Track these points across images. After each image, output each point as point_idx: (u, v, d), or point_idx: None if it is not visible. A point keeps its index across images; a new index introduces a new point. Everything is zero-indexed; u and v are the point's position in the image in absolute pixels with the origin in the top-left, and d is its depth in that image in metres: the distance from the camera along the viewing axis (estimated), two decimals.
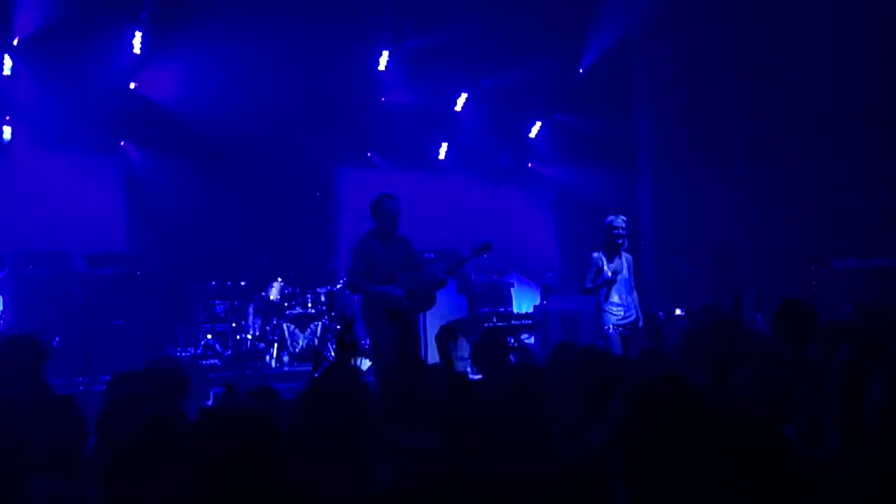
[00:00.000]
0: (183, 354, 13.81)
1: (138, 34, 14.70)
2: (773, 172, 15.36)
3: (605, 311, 10.91)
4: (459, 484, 3.23)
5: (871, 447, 3.52)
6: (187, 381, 5.93)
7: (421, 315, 10.85)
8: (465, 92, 17.19)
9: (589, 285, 10.95)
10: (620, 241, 10.99)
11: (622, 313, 10.94)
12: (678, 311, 12.81)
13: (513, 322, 13.49)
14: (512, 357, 8.50)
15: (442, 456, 3.29)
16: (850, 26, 13.99)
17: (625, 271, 11.03)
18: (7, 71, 14.02)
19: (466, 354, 11.77)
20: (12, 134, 14.36)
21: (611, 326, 10.83)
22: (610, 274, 10.91)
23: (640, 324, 11.01)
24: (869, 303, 7.74)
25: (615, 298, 10.98)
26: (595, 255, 11.02)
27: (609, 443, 3.05)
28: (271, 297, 14.55)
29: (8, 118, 14.29)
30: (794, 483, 3.06)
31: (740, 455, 3.01)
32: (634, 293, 11.13)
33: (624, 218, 11.15)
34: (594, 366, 5.24)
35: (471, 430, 4.26)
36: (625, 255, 11.09)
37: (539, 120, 17.90)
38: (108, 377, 6.19)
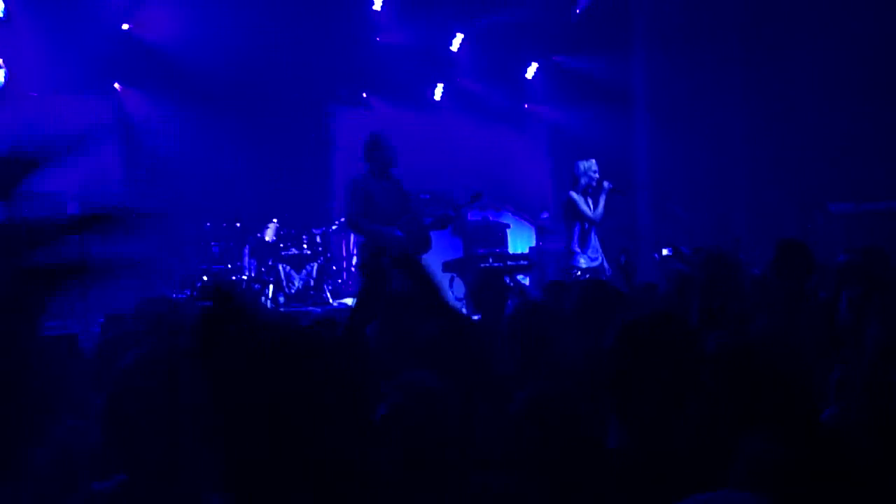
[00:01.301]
0: (178, 296, 13.80)
1: None
2: (769, 117, 15.33)
3: (578, 252, 10.93)
4: (458, 422, 3.23)
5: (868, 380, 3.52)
6: (181, 319, 5.92)
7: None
8: (460, 32, 17.08)
9: (597, 212, 10.96)
10: (596, 184, 11.03)
11: (595, 256, 10.99)
12: (665, 251, 12.79)
13: (509, 263, 13.44)
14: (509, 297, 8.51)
15: (442, 394, 3.29)
16: None
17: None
18: (0, 14, 13.91)
19: (462, 295, 11.81)
20: (6, 77, 14.25)
21: (579, 271, 10.84)
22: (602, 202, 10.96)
23: (606, 267, 11.06)
24: (862, 247, 7.73)
25: (591, 242, 11.05)
26: (573, 194, 11.02)
27: (601, 377, 3.07)
28: (267, 238, 14.54)
29: (1, 61, 14.17)
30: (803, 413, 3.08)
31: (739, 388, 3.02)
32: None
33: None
34: (596, 301, 5.26)
35: (471, 370, 4.26)
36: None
37: (536, 61, 17.81)
38: (103, 319, 6.18)
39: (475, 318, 7.39)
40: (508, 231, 15.66)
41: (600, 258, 11.04)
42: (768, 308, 6.11)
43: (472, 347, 4.33)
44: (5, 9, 13.92)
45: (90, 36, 14.41)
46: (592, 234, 11.04)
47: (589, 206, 10.98)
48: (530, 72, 17.86)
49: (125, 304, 9.09)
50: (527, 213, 16.88)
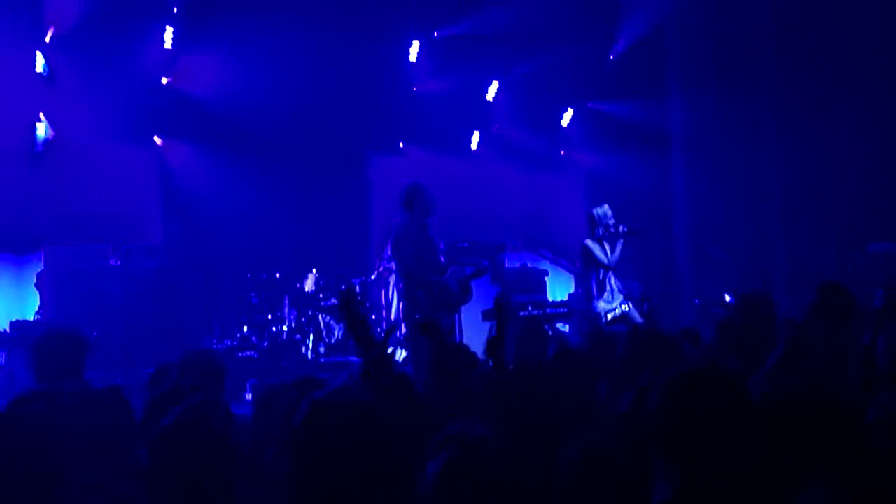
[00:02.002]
0: (219, 347, 13.86)
1: (169, 29, 14.78)
2: (807, 157, 15.28)
3: (596, 298, 10.95)
4: (510, 471, 3.24)
5: None
6: (224, 372, 5.97)
7: None
8: (496, 80, 17.16)
9: (614, 258, 10.99)
10: (614, 230, 11.08)
11: (611, 300, 10.99)
12: (727, 298, 12.76)
13: (548, 310, 13.44)
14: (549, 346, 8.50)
15: (491, 443, 3.30)
16: (890, 9, 13.91)
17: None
18: (40, 68, 14.10)
19: None
20: (46, 131, 14.43)
21: (604, 317, 10.85)
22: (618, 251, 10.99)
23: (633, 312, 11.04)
24: None
25: (611, 286, 11.07)
26: (588, 242, 11.08)
27: (647, 431, 3.06)
28: (306, 289, 14.59)
29: (42, 115, 14.36)
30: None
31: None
32: None
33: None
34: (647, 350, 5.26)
35: (518, 419, 4.28)
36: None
37: (571, 107, 17.84)
38: (145, 370, 6.22)
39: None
40: (547, 278, 15.64)
41: (619, 303, 11.04)
42: (810, 352, 6.08)
43: (511, 398, 4.34)
44: (46, 65, 14.11)
45: (130, 89, 14.60)
46: (609, 280, 11.07)
47: (606, 251, 11.02)
48: (566, 118, 17.88)
49: (163, 354, 9.18)
50: (564, 260, 16.86)
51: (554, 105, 17.75)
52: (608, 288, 11.06)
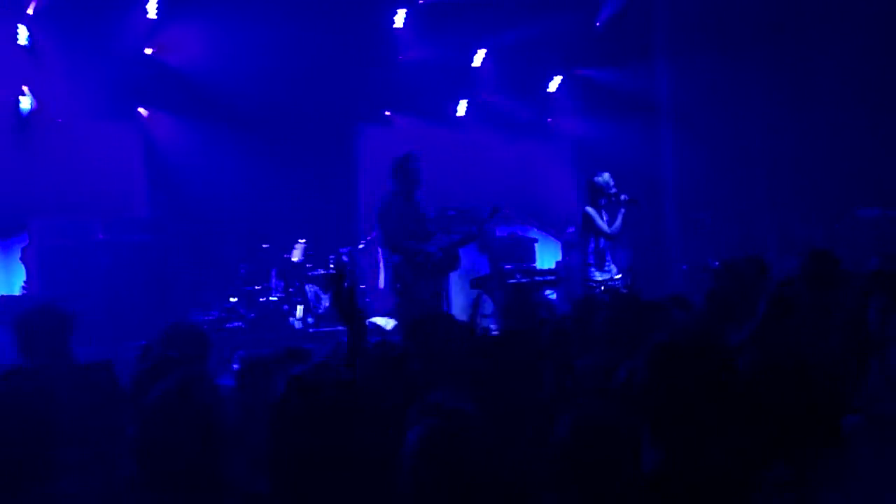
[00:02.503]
0: (207, 318, 13.84)
1: None
2: (795, 123, 15.27)
3: (593, 266, 10.95)
4: (486, 441, 3.23)
5: None
6: (207, 343, 5.94)
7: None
8: (483, 48, 17.09)
9: (615, 227, 11.00)
10: (615, 199, 11.08)
11: (608, 269, 11.01)
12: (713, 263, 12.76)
13: (536, 278, 13.44)
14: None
15: (467, 414, 3.29)
16: None
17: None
18: (23, 41, 14.01)
19: (489, 311, 11.80)
20: (31, 104, 14.35)
21: (596, 285, 10.86)
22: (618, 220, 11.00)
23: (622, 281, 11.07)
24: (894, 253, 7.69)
25: (607, 256, 11.07)
26: (589, 209, 11.07)
27: (633, 399, 3.05)
28: (294, 259, 14.56)
29: (25, 88, 14.27)
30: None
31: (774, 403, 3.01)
32: None
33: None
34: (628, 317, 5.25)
35: (494, 390, 4.26)
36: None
37: (558, 74, 17.78)
38: (133, 343, 6.19)
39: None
40: (536, 245, 15.64)
41: (614, 272, 11.05)
42: (797, 317, 6.08)
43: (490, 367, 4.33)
44: (29, 37, 14.02)
45: (114, 61, 14.51)
46: (608, 249, 11.07)
47: (604, 220, 11.02)
48: (553, 85, 17.82)
49: (151, 328, 9.16)
50: (552, 229, 16.86)
51: (541, 72, 17.69)
52: (607, 258, 11.07)
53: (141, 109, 15.65)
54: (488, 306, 12.42)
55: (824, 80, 14.82)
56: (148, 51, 15.15)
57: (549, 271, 14.32)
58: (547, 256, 16.11)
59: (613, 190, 11.15)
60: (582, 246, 11.29)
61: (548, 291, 14.73)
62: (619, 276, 11.05)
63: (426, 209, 10.71)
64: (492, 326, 11.58)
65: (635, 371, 3.04)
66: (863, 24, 14.34)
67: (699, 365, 2.95)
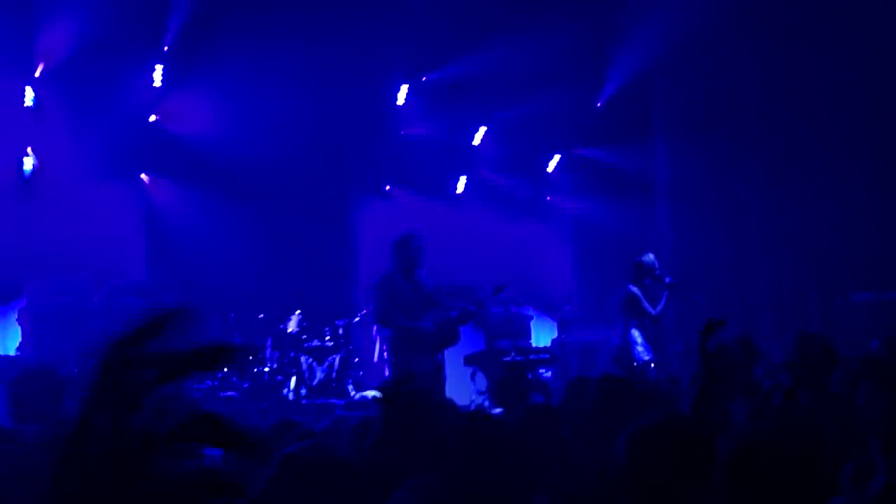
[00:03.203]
0: (200, 387, 13.80)
1: (159, 67, 14.82)
2: (791, 206, 15.34)
3: (641, 345, 10.99)
4: None
5: None
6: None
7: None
8: (483, 125, 17.21)
9: (659, 309, 11.07)
10: (658, 279, 11.19)
11: (650, 351, 11.07)
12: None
13: (531, 356, 13.44)
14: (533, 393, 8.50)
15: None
16: (876, 60, 14.03)
17: None
18: (29, 102, 14.14)
19: (484, 388, 11.78)
20: (33, 165, 14.43)
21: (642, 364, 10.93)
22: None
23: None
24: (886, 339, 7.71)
25: (650, 338, 11.15)
26: (635, 289, 11.13)
27: (614, 485, 3.07)
28: (289, 330, 14.53)
29: (29, 149, 14.36)
30: None
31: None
32: None
33: None
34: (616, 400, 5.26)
35: (480, 472, 4.27)
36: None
37: (557, 153, 17.89)
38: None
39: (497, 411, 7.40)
40: (531, 323, 15.65)
41: (652, 355, 11.13)
42: (789, 402, 6.09)
43: (488, 450, 4.33)
44: (35, 98, 14.14)
45: (118, 126, 14.61)
46: (650, 330, 11.16)
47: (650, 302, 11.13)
48: (552, 164, 17.92)
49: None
50: (549, 308, 16.82)
51: (540, 151, 17.79)
52: (650, 339, 11.14)
53: (143, 175, 15.72)
54: (482, 383, 12.41)
55: (822, 165, 14.91)
56: (152, 118, 15.26)
57: (544, 349, 14.31)
58: (543, 334, 16.10)
59: (658, 272, 11.23)
60: (624, 325, 11.29)
61: (543, 370, 14.72)
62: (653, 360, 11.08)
63: (429, 287, 10.62)
64: (486, 403, 11.56)
65: (616, 454, 3.06)
66: (857, 103, 14.48)
67: (677, 448, 2.98)
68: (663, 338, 11.96)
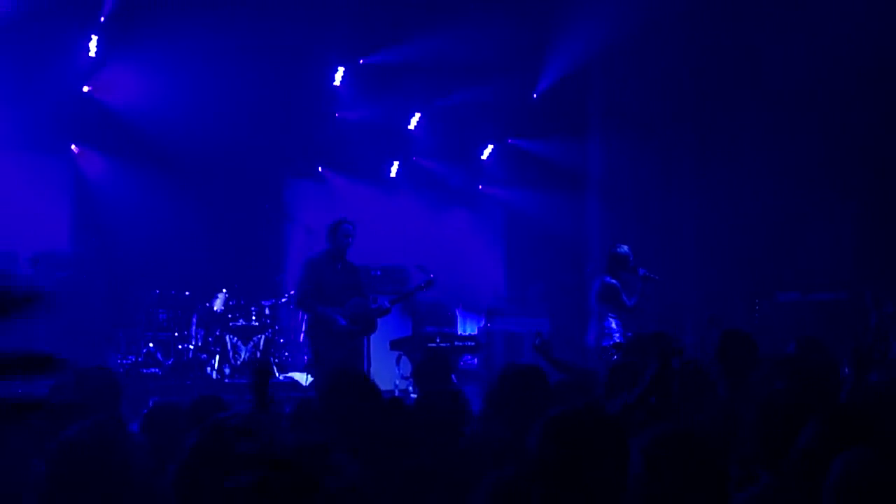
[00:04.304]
0: (124, 362, 13.70)
1: (94, 38, 14.63)
2: (720, 205, 15.49)
3: (618, 336, 11.11)
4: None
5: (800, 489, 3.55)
6: (119, 390, 5.90)
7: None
8: (418, 111, 17.21)
9: (634, 301, 11.22)
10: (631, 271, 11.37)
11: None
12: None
13: (456, 343, 13.48)
14: (454, 377, 8.54)
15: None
16: (806, 54, 14.20)
17: None
18: None
19: (409, 373, 11.81)
20: None
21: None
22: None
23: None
24: (811, 337, 7.81)
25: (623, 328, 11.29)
26: (612, 280, 11.26)
27: (527, 472, 3.09)
28: (215, 308, 14.46)
29: None
30: None
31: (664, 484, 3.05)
32: None
33: None
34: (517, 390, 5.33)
35: (388, 454, 4.31)
36: None
37: (492, 143, 17.94)
38: (44, 381, 6.09)
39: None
40: (458, 311, 15.70)
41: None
42: (710, 398, 6.17)
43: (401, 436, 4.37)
44: None
45: (49, 95, 14.41)
46: (624, 321, 11.33)
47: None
48: (486, 153, 17.97)
49: (68, 368, 9.04)
50: (478, 294, 16.85)
51: (475, 139, 17.84)
52: (621, 331, 11.28)
53: (73, 146, 15.54)
54: (407, 367, 12.44)
55: (751, 166, 15.06)
56: (85, 88, 15.08)
57: (469, 337, 14.36)
58: (470, 323, 16.14)
59: (632, 264, 11.35)
60: (599, 316, 11.38)
61: (468, 357, 14.79)
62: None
63: (356, 274, 10.87)
64: (410, 388, 11.61)
65: (530, 440, 3.09)
66: (790, 103, 14.66)
67: (590, 437, 3.01)
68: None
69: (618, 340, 11.13)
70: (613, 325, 11.29)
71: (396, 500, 4.12)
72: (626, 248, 11.55)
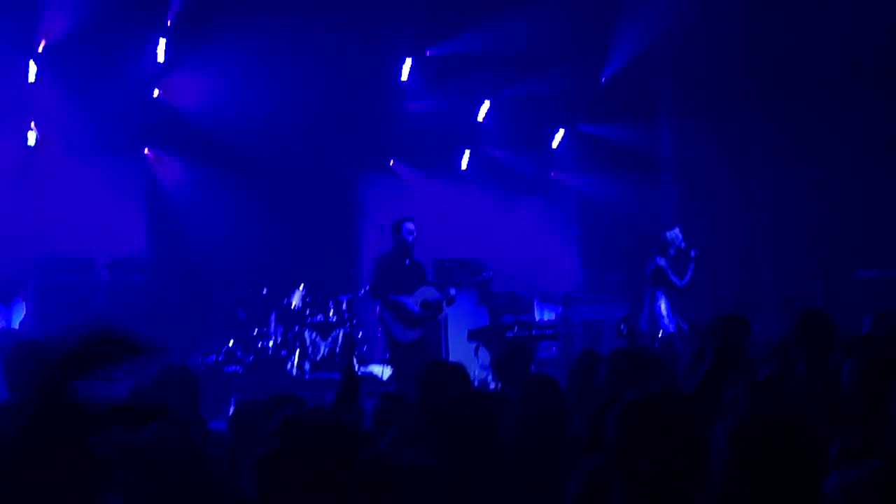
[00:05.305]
0: (205, 361, 13.83)
1: (162, 41, 14.79)
2: (795, 182, 15.32)
3: (667, 318, 11.13)
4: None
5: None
6: (198, 387, 5.97)
7: (443, 325, 11.63)
8: (487, 101, 17.17)
9: (686, 281, 11.27)
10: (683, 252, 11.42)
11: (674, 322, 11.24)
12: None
13: (534, 332, 13.44)
14: (533, 367, 8.51)
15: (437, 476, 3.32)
16: (879, 34, 13.98)
17: None
18: (32, 77, 14.13)
19: (488, 363, 11.81)
20: (37, 139, 14.44)
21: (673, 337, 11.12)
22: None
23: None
24: (887, 314, 7.69)
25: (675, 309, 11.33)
26: (662, 261, 11.32)
27: (606, 461, 3.07)
28: (293, 305, 14.53)
29: (33, 124, 14.36)
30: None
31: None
32: None
33: None
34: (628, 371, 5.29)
35: (475, 444, 4.28)
36: None
37: (562, 129, 17.85)
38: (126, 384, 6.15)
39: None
40: (535, 300, 15.66)
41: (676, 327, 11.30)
42: (790, 379, 6.09)
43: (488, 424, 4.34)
44: (38, 73, 14.13)
45: (121, 101, 14.59)
46: (675, 302, 11.37)
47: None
48: (556, 140, 17.88)
49: (148, 370, 9.15)
50: (554, 283, 16.78)
51: (544, 127, 17.73)
52: (676, 309, 11.36)
53: (146, 150, 15.72)
54: (486, 357, 12.43)
55: (827, 139, 14.88)
56: (155, 93, 15.24)
57: (548, 324, 14.31)
58: (547, 311, 16.08)
59: (682, 245, 11.39)
60: (651, 297, 11.43)
61: (547, 346, 14.73)
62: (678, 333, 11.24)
63: (422, 268, 11.67)
64: (489, 378, 11.60)
65: (608, 428, 3.05)
66: (863, 86, 14.44)
67: (668, 424, 2.97)
68: (690, 310, 12.10)
69: (668, 324, 11.15)
70: (663, 309, 11.28)
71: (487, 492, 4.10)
72: (673, 231, 11.57)
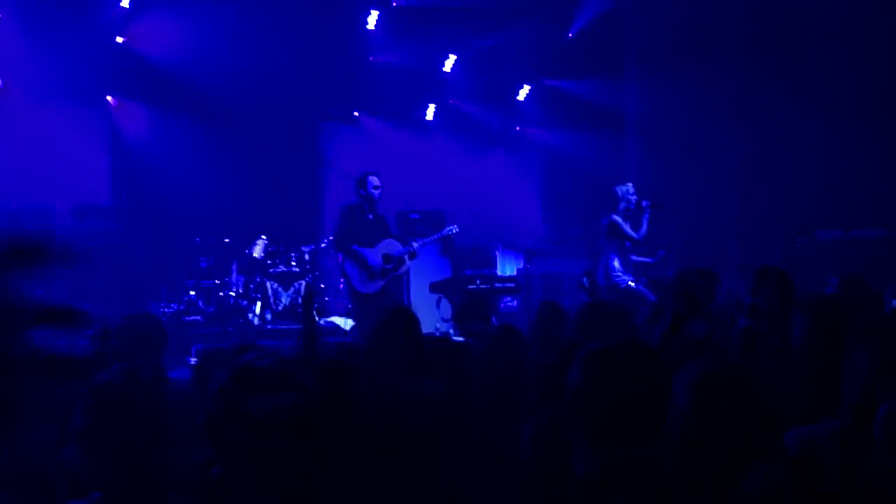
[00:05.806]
0: (166, 310, 13.79)
1: None
2: (761, 142, 15.37)
3: (620, 271, 11.18)
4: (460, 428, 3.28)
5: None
6: (164, 337, 5.95)
7: (405, 277, 11.98)
8: (453, 53, 17.10)
9: (641, 233, 11.32)
10: (635, 207, 11.44)
11: (632, 276, 11.30)
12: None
13: (496, 285, 13.46)
14: (494, 319, 8.56)
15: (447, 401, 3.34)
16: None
17: None
18: None
19: (449, 316, 11.86)
20: None
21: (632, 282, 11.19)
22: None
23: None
24: (853, 275, 7.72)
25: (630, 263, 11.37)
26: (616, 217, 11.33)
27: (567, 406, 3.09)
28: (255, 255, 14.47)
29: None
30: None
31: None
32: None
33: None
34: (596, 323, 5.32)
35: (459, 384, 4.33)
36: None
37: (528, 83, 17.82)
38: (87, 332, 6.14)
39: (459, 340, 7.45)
40: (497, 252, 15.68)
41: (630, 279, 11.34)
42: (747, 336, 6.12)
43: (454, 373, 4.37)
44: None
45: (84, 47, 14.43)
46: (631, 256, 11.42)
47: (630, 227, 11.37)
48: (522, 94, 17.86)
49: (109, 317, 9.10)
50: (516, 235, 16.83)
51: (511, 81, 17.72)
52: (630, 264, 11.39)
53: (109, 97, 15.59)
54: (447, 310, 12.47)
55: (792, 103, 14.91)
56: (119, 39, 15.08)
57: (509, 278, 14.34)
58: (510, 265, 16.13)
59: (634, 198, 11.42)
60: (605, 252, 11.44)
61: (508, 299, 14.80)
62: (633, 283, 11.29)
63: (386, 222, 11.72)
64: (451, 331, 11.63)
65: (571, 374, 3.08)
66: (832, 49, 14.46)
67: (629, 371, 3.00)
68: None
69: (625, 278, 11.21)
70: (616, 263, 11.33)
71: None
72: (624, 185, 11.60)
